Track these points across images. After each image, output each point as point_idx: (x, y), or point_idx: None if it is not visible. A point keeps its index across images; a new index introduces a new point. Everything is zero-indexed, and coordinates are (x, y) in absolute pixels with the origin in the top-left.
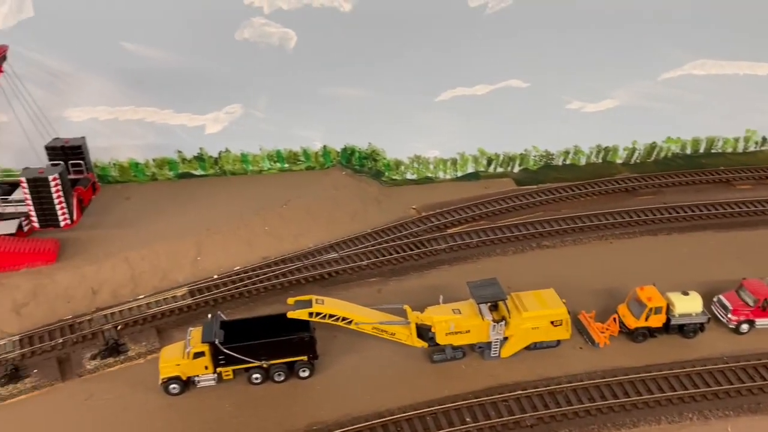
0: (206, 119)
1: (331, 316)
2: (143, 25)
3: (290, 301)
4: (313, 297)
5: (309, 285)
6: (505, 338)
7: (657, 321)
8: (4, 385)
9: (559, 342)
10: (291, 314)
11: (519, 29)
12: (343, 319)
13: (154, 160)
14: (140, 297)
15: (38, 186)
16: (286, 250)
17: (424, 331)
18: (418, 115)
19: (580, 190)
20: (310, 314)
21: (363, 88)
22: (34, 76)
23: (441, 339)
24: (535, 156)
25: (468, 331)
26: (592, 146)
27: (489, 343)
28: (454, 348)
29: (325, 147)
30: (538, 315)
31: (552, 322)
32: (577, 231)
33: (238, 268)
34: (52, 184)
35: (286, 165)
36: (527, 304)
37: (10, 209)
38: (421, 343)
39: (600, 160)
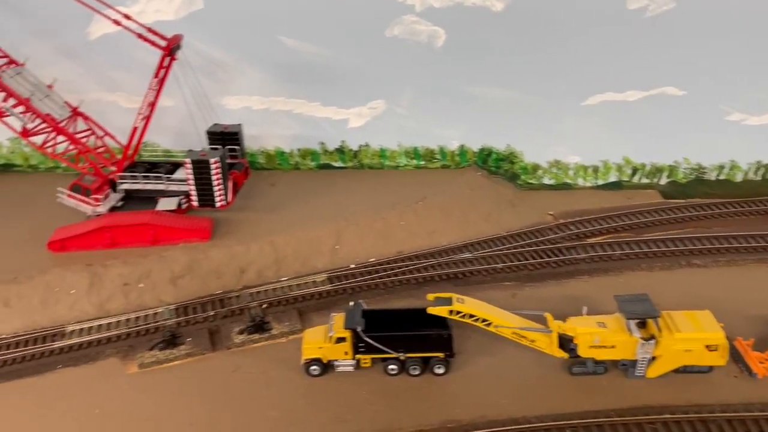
0: (350, 113)
1: (470, 316)
2: (300, 21)
3: (430, 297)
4: (454, 295)
5: (442, 283)
6: (653, 358)
7: None
8: (162, 349)
9: (711, 368)
10: (431, 310)
11: (680, 34)
12: (483, 320)
13: (298, 150)
14: (283, 279)
15: (200, 168)
16: (420, 246)
17: (564, 342)
18: (561, 119)
19: (735, 208)
20: (450, 312)
21: (507, 88)
22: (199, 65)
23: (583, 351)
24: (685, 168)
25: (613, 347)
26: (752, 162)
27: (634, 361)
28: (596, 362)
29: (462, 146)
30: (692, 337)
31: (707, 347)
32: (732, 251)
33: (373, 259)
34: (213, 166)
35: (422, 162)
36: (680, 324)
37: (173, 187)
38: (562, 354)
39: (759, 178)
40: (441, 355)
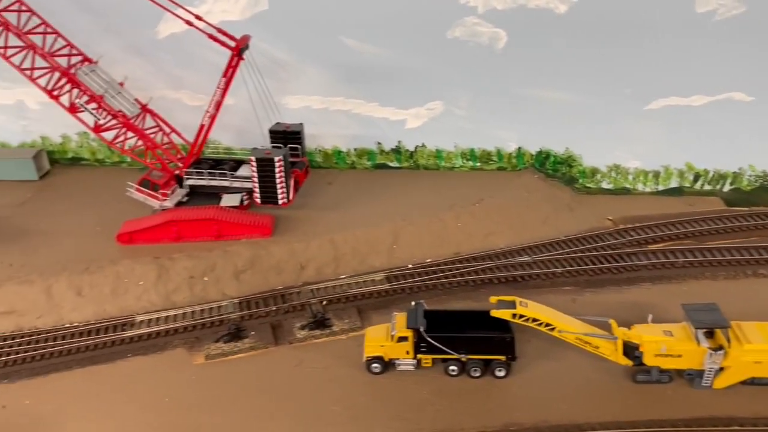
0: (408, 114)
1: (534, 320)
2: (362, 22)
3: (492, 299)
4: (517, 298)
5: (501, 285)
6: (721, 368)
7: None
8: (227, 342)
9: None
10: (494, 313)
11: (750, 38)
12: (547, 325)
13: (355, 149)
14: (342, 277)
15: (265, 166)
16: (477, 248)
17: (629, 349)
18: (622, 123)
19: None
20: (513, 315)
21: (567, 91)
22: (261, 64)
23: (649, 360)
24: (750, 176)
25: (680, 356)
26: None
27: (701, 371)
28: (661, 371)
29: (519, 149)
30: (763, 349)
31: None
32: None
33: (429, 260)
34: (277, 165)
35: (478, 164)
36: (750, 335)
37: (236, 184)
38: (626, 361)
39: None
40: (503, 357)
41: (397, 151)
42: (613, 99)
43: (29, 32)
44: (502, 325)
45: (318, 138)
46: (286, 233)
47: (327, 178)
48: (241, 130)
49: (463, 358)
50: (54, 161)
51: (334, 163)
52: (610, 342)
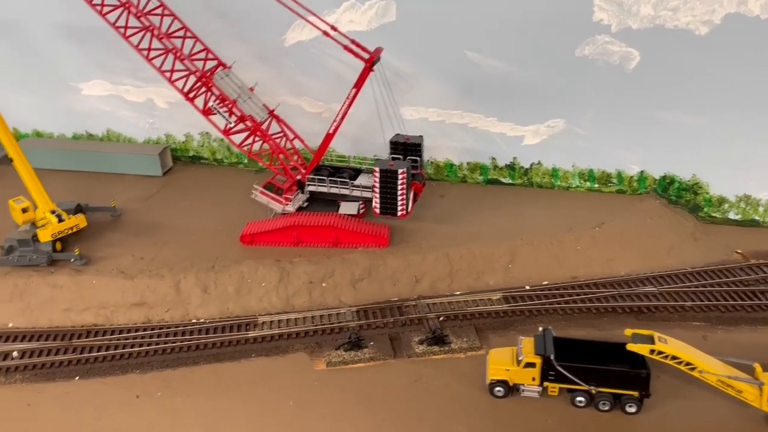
0: (526, 130)
1: (673, 357)
2: (489, 36)
3: (628, 332)
4: (655, 333)
5: (624, 315)
6: None
7: None
8: (347, 350)
9: None
10: (631, 347)
11: None
12: (687, 363)
13: (468, 163)
14: (456, 293)
15: (388, 177)
16: (597, 273)
17: None
18: (756, 152)
19: None
20: (651, 351)
21: (699, 115)
22: (383, 75)
23: None
24: None
25: None
26: None
27: None
28: None
29: (642, 172)
30: None
31: None
32: None
33: (546, 282)
34: (400, 177)
35: (596, 185)
36: None
37: (356, 193)
38: None
39: None
40: (635, 393)
41: (511, 167)
42: (748, 125)
43: (170, 35)
44: (633, 358)
45: (431, 150)
46: (402, 244)
47: (439, 190)
48: (356, 139)
49: (593, 390)
50: (176, 158)
51: (446, 176)
52: (754, 387)
